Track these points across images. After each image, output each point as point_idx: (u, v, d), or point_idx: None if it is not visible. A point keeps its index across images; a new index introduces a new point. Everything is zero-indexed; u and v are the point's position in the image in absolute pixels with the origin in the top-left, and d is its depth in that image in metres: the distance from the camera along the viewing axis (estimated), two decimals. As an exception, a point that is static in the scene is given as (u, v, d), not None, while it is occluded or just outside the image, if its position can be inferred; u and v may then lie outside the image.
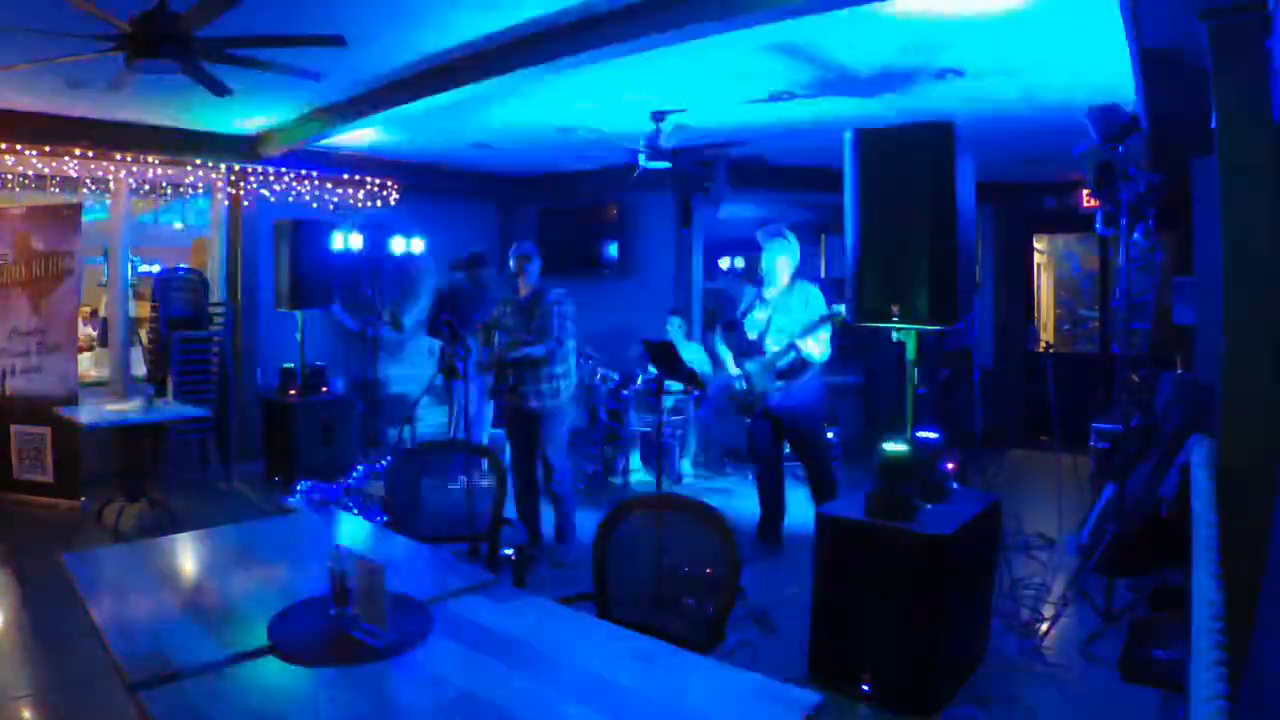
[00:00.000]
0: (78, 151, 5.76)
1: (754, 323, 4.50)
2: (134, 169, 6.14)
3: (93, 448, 5.40)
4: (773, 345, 4.39)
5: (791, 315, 4.35)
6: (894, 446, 3.05)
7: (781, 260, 4.46)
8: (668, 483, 5.75)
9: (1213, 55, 2.38)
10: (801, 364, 4.35)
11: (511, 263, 4.49)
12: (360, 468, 5.76)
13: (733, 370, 4.56)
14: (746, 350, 4.52)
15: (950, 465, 3.41)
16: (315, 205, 7.08)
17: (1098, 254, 8.27)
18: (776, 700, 1.52)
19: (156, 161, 6.19)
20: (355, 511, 4.80)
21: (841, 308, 4.16)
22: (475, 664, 1.66)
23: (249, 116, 5.77)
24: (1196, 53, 2.55)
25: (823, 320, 4.24)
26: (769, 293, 4.49)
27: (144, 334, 6.52)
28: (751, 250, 8.39)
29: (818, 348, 4.31)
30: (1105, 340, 7.98)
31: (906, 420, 3.22)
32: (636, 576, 2.27)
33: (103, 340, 7.63)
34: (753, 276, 4.81)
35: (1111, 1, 2.91)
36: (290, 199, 6.95)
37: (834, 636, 3.03)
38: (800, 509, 4.79)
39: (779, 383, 4.40)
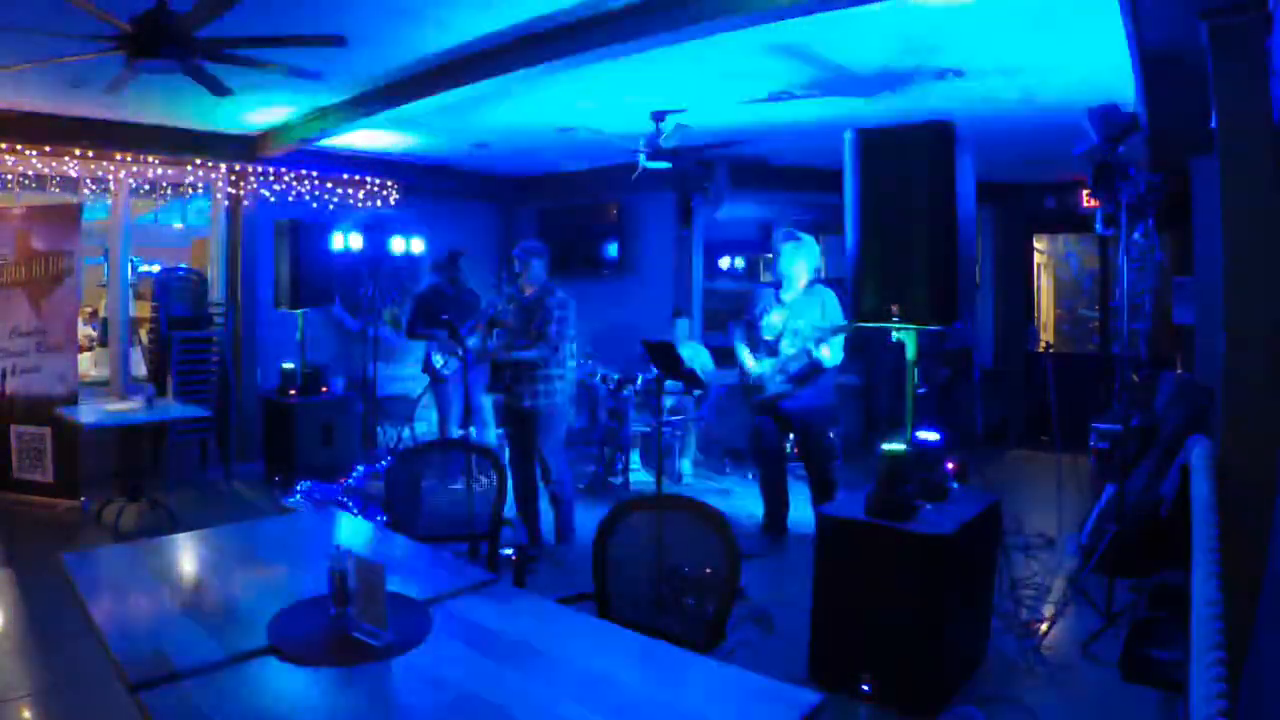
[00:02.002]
0: (78, 151, 5.76)
1: (770, 325, 4.50)
2: (134, 169, 6.14)
3: (93, 448, 5.40)
4: (787, 348, 4.41)
5: (807, 319, 4.36)
6: (894, 446, 3.05)
7: (799, 264, 4.47)
8: (668, 483, 5.75)
9: (1213, 55, 2.38)
10: (813, 369, 4.38)
11: (515, 261, 4.49)
12: (360, 468, 5.76)
13: (751, 366, 4.56)
14: (762, 351, 4.54)
15: (950, 465, 3.40)
16: (315, 205, 7.07)
17: (1098, 254, 8.27)
18: (776, 700, 1.52)
19: (156, 161, 6.19)
20: (355, 511, 4.80)
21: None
22: (475, 664, 1.66)
23: (249, 116, 5.77)
24: (1196, 53, 2.55)
25: (838, 330, 4.26)
26: (786, 295, 4.49)
27: (144, 334, 6.52)
28: (751, 250, 8.42)
29: (830, 353, 4.32)
30: (1105, 340, 7.97)
31: (906, 420, 3.22)
32: (636, 576, 2.26)
33: (103, 340, 7.63)
34: (769, 277, 4.85)
35: (1111, 1, 2.91)
36: (290, 199, 6.94)
37: (834, 636, 3.03)
38: (803, 508, 4.79)
39: (789, 385, 4.44)
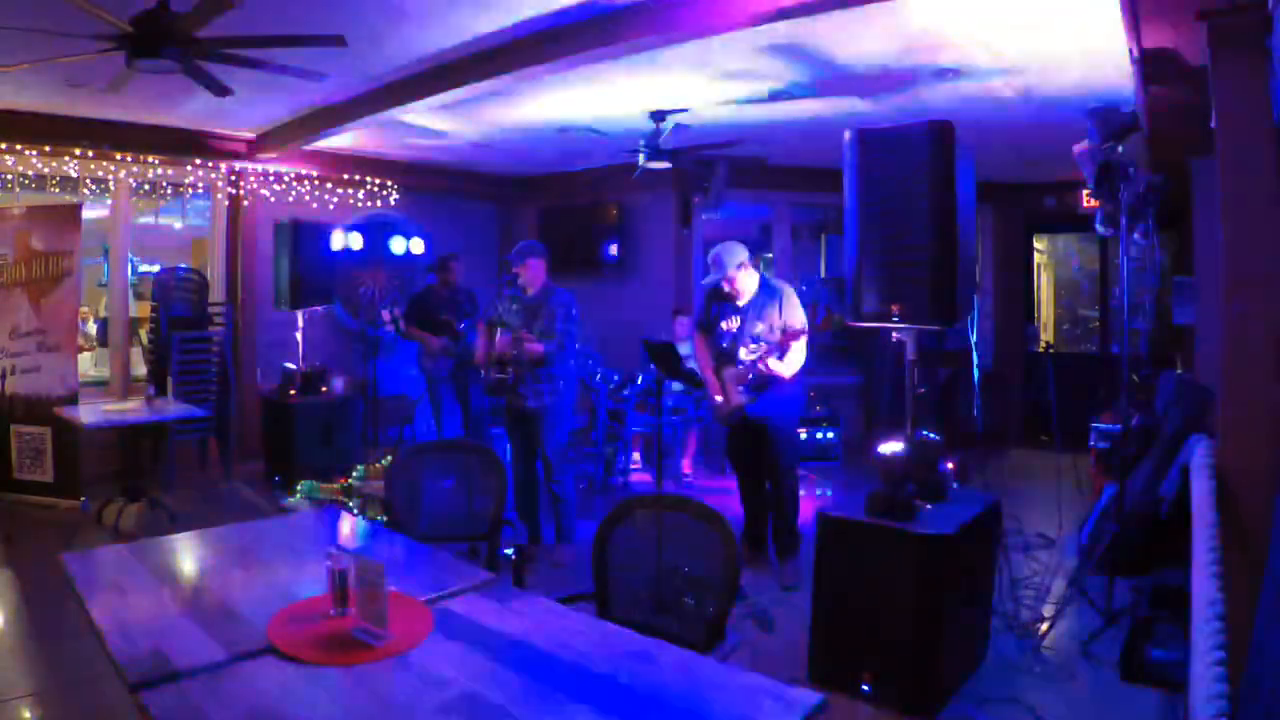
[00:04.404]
0: (78, 151, 5.76)
1: (724, 331, 4.26)
2: (134, 169, 6.14)
3: (93, 448, 5.41)
4: (745, 355, 4.13)
5: (763, 319, 4.12)
6: (893, 446, 3.05)
7: (737, 272, 4.15)
8: (668, 483, 5.75)
9: (1213, 55, 2.38)
10: (766, 379, 4.09)
11: (513, 262, 4.49)
12: (360, 468, 5.76)
13: (712, 385, 4.29)
14: (721, 359, 4.28)
15: (950, 465, 3.40)
16: (315, 205, 7.08)
17: (1098, 254, 8.27)
18: (776, 700, 1.52)
19: (156, 161, 6.19)
20: (355, 511, 4.80)
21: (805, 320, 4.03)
22: (475, 664, 1.66)
23: (249, 116, 5.77)
24: (1196, 53, 2.55)
25: (794, 335, 3.99)
26: (740, 301, 4.20)
27: (144, 334, 6.52)
28: (751, 250, 8.42)
29: (788, 365, 4.04)
30: (1105, 340, 7.98)
31: (906, 420, 3.22)
32: (636, 576, 2.26)
33: (103, 340, 7.63)
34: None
35: (1111, 1, 2.91)
36: (290, 199, 6.95)
37: (834, 636, 3.03)
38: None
39: (752, 394, 4.14)
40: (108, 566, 2.21)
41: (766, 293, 4.20)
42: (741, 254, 4.21)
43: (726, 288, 4.20)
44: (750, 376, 4.11)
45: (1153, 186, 3.78)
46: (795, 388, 4.24)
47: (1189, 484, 2.61)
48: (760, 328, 4.12)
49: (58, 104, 5.28)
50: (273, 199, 6.84)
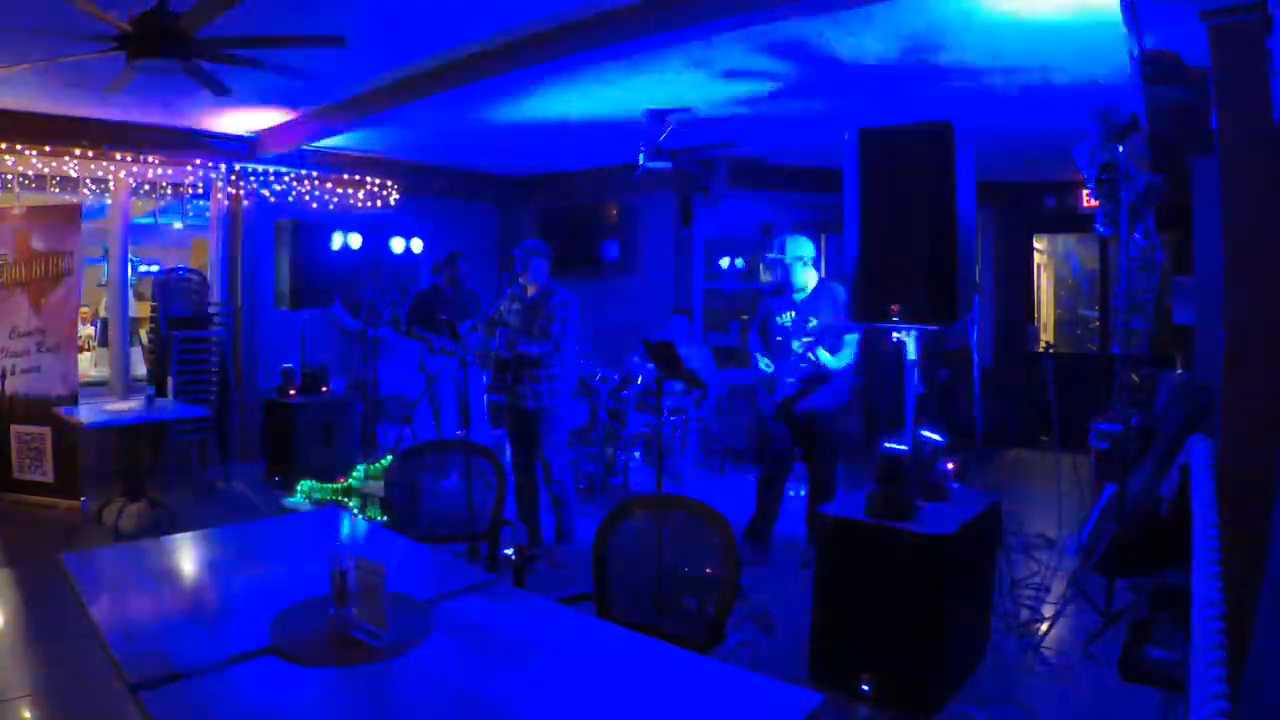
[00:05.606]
0: (78, 151, 5.76)
1: (781, 326, 4.43)
2: (134, 169, 6.14)
3: (93, 448, 5.41)
4: (798, 348, 4.32)
5: (818, 314, 4.30)
6: (894, 446, 3.05)
7: (802, 268, 4.38)
8: (668, 483, 5.75)
9: (1213, 55, 2.38)
10: (820, 373, 4.29)
11: (516, 260, 4.50)
12: (360, 468, 5.76)
13: (766, 369, 4.48)
14: (775, 353, 4.46)
15: (950, 465, 3.40)
16: (315, 205, 7.08)
17: (1098, 254, 8.26)
18: (776, 700, 1.52)
19: (156, 161, 6.19)
20: (355, 511, 4.80)
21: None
22: (475, 664, 1.66)
23: (249, 116, 5.77)
24: (1196, 53, 2.55)
25: (845, 331, 4.19)
26: (797, 296, 4.40)
27: (144, 334, 6.52)
28: (751, 250, 8.41)
29: (838, 359, 4.25)
30: (1105, 340, 7.97)
31: (906, 420, 3.22)
32: (636, 576, 2.26)
33: (103, 340, 7.63)
34: (769, 278, 4.71)
35: (1111, 1, 2.91)
36: (290, 199, 6.94)
37: (834, 636, 3.03)
38: (790, 519, 4.79)
39: (801, 386, 4.34)
40: (108, 567, 2.21)
41: (822, 290, 4.40)
42: (806, 248, 4.39)
43: (791, 278, 4.38)
44: (802, 367, 4.27)
45: (1153, 186, 3.78)
46: (841, 386, 4.42)
47: (1189, 484, 2.60)
48: (814, 323, 4.28)
49: (58, 104, 5.28)
50: (273, 199, 6.83)
